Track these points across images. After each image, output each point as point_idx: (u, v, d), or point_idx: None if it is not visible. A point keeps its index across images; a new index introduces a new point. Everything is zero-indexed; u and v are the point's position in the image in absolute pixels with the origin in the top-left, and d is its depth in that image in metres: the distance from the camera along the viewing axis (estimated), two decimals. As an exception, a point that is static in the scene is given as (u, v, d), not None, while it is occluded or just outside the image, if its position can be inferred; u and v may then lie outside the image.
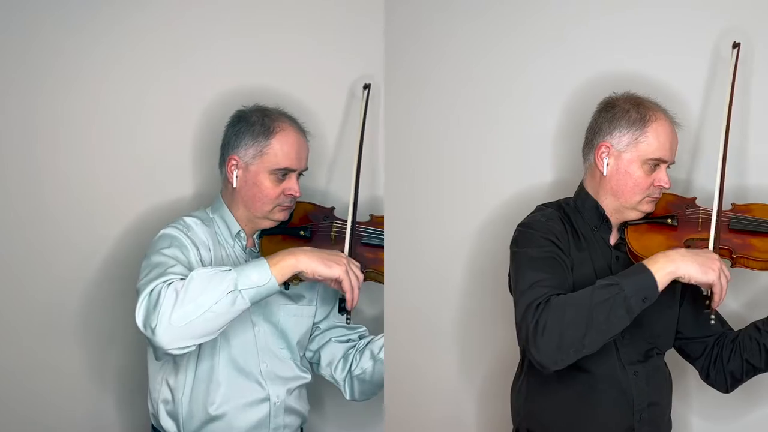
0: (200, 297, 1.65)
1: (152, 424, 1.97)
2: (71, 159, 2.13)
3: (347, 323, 1.88)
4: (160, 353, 1.71)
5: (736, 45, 1.93)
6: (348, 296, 1.78)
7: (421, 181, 2.30)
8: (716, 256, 1.73)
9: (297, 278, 1.82)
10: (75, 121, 2.13)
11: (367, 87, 2.10)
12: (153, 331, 1.63)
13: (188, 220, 1.91)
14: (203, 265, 1.84)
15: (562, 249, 1.82)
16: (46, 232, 2.13)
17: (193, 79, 2.16)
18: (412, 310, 2.31)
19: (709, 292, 1.75)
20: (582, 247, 1.87)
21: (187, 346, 1.67)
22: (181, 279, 1.69)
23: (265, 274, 1.70)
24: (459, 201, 2.28)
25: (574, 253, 1.85)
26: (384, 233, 2.00)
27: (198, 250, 1.86)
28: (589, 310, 1.65)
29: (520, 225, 1.89)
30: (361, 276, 1.81)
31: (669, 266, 1.68)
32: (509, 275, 1.91)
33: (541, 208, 1.94)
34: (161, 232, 1.87)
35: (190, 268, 1.77)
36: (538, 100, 2.22)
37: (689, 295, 1.95)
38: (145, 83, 2.14)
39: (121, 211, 2.15)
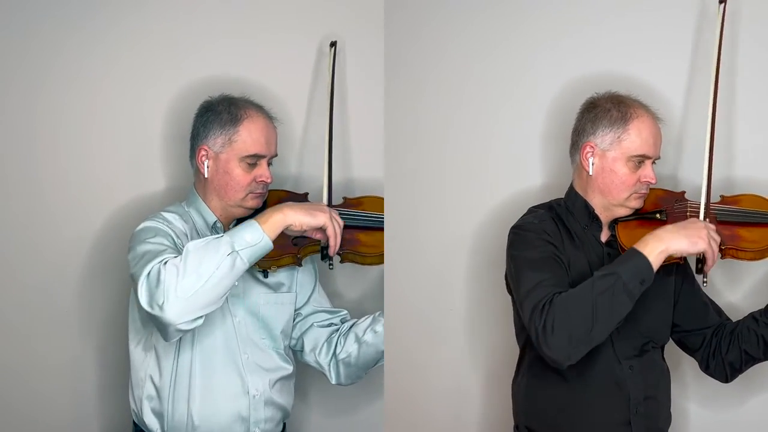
0: (201, 266, 1.67)
1: (134, 421, 1.97)
2: (71, 158, 2.17)
3: (329, 268, 1.90)
4: (170, 331, 1.70)
5: (722, 0, 1.92)
6: (331, 242, 1.84)
7: (421, 181, 2.32)
8: (702, 224, 1.78)
9: (275, 265, 1.89)
10: (75, 121, 2.17)
11: (333, 45, 2.09)
12: (161, 307, 1.65)
13: (167, 214, 1.93)
14: None
15: (558, 247, 1.86)
16: (37, 229, 2.18)
17: (193, 78, 2.18)
18: (412, 310, 2.32)
19: (702, 256, 1.79)
20: (575, 246, 1.90)
21: (195, 319, 1.69)
22: (175, 256, 1.71)
23: (258, 233, 1.74)
24: (459, 201, 2.30)
25: (567, 252, 1.88)
26: (363, 218, 2.01)
27: (180, 240, 1.88)
28: (592, 302, 1.70)
29: (514, 228, 1.92)
30: (341, 222, 1.86)
31: (660, 246, 1.73)
32: (506, 277, 1.94)
33: (533, 210, 1.96)
34: (141, 225, 1.88)
35: (179, 253, 1.79)
36: (535, 101, 2.23)
37: (685, 288, 1.97)
38: (145, 82, 2.18)
39: (115, 209, 2.18)
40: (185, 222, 1.94)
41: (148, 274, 1.68)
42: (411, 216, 2.31)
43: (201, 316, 1.70)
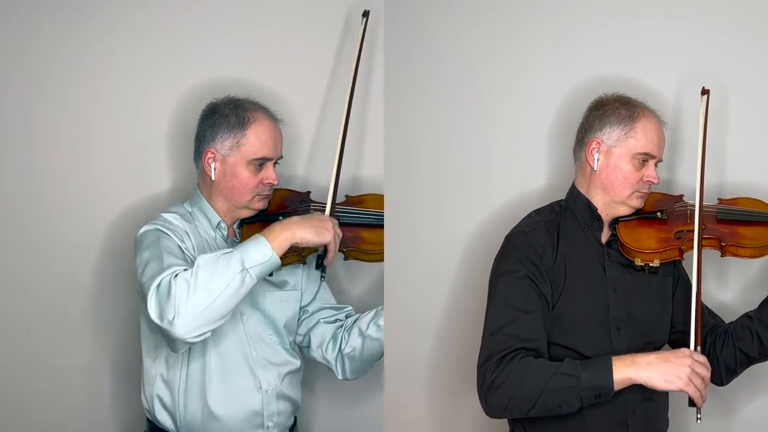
0: (211, 282, 1.70)
1: (147, 418, 1.97)
2: (70, 157, 2.17)
3: (322, 279, 1.94)
4: (178, 344, 1.74)
5: (705, 92, 1.96)
6: (330, 255, 1.90)
7: (421, 182, 2.33)
8: (688, 360, 1.73)
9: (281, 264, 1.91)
10: (73, 120, 2.16)
11: (366, 14, 2.07)
12: (171, 322, 1.67)
13: (166, 215, 1.94)
14: (189, 254, 1.88)
15: (539, 268, 1.85)
16: (43, 230, 2.16)
17: (195, 78, 2.19)
18: (411, 310, 2.32)
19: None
20: (568, 254, 1.90)
21: (204, 333, 1.72)
22: (185, 269, 1.72)
23: (267, 252, 1.77)
24: (459, 202, 2.31)
25: (559, 263, 1.88)
26: (366, 215, 2.06)
27: (182, 240, 1.89)
28: (542, 391, 1.73)
29: (506, 236, 1.93)
30: (341, 234, 1.91)
31: (630, 372, 1.72)
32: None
33: (531, 216, 1.98)
34: (142, 229, 1.89)
35: (183, 258, 1.81)
36: (537, 102, 2.26)
37: (681, 288, 2.00)
38: (144, 81, 2.18)
39: (120, 210, 2.18)
40: (187, 222, 1.94)
41: (158, 286, 1.70)
42: (411, 216, 2.32)
43: (209, 331, 1.72)
